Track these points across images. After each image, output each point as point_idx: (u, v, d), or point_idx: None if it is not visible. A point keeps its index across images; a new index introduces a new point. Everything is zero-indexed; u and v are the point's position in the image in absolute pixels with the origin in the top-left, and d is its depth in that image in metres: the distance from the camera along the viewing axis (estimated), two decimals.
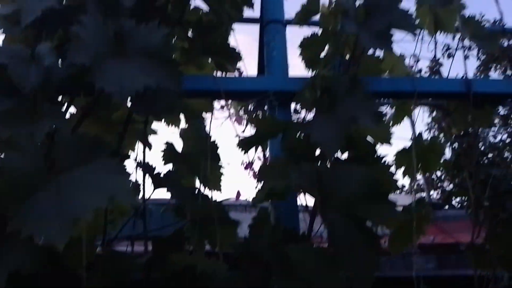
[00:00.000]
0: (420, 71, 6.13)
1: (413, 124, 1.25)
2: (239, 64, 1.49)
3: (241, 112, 2.66)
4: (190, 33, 1.44)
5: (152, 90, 0.86)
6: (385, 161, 1.09)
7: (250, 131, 2.82)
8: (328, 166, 0.94)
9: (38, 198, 0.69)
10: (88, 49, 0.80)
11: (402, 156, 1.29)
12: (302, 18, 1.25)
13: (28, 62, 0.80)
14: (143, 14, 1.15)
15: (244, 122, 2.76)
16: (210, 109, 1.47)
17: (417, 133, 1.28)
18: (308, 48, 1.24)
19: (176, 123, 1.46)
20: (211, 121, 1.38)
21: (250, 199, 0.98)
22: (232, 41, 1.55)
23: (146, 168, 1.08)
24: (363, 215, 0.76)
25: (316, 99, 0.97)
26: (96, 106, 1.07)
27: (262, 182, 0.93)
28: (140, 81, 0.84)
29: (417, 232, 1.16)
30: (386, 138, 1.20)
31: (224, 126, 1.42)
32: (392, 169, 1.16)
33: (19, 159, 0.70)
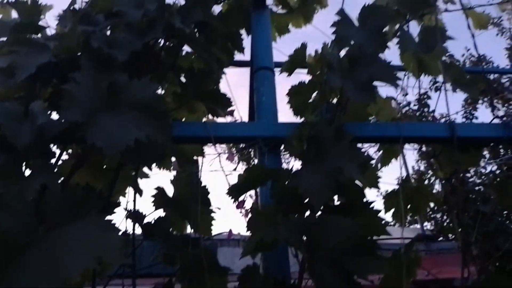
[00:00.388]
0: (408, 104, 6.27)
1: (400, 168, 1.27)
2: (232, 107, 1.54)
3: (233, 150, 2.68)
4: (182, 78, 1.49)
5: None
6: (373, 207, 1.11)
7: (241, 168, 2.84)
8: (317, 215, 0.95)
9: (27, 258, 0.69)
10: (81, 106, 0.83)
11: (390, 199, 1.30)
12: (290, 68, 1.29)
13: (21, 119, 0.82)
14: (136, 64, 1.19)
15: (236, 159, 2.77)
16: (202, 153, 1.49)
17: (405, 173, 1.30)
18: (296, 96, 1.28)
19: (168, 167, 1.48)
20: (202, 165, 1.41)
21: (242, 233, 0.98)
22: (224, 83, 1.59)
23: (136, 217, 1.08)
24: (350, 269, 0.77)
25: (303, 149, 0.99)
26: (88, 155, 1.08)
27: (251, 232, 0.94)
28: (131, 135, 0.86)
29: (408, 277, 1.16)
30: (374, 183, 1.22)
31: (216, 163, 1.43)
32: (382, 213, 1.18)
33: (9, 218, 0.71)
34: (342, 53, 1.27)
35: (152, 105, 0.93)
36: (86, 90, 0.87)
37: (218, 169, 1.34)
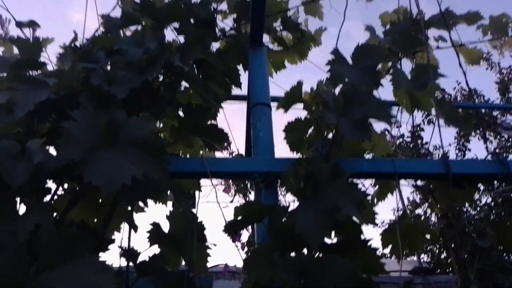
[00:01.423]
0: (402, 136, 6.33)
1: (397, 204, 1.28)
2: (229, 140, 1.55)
3: (230, 182, 2.67)
4: (180, 112, 1.50)
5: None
6: (370, 245, 1.10)
7: (238, 201, 2.81)
8: (314, 253, 0.94)
9: None
10: (78, 144, 0.83)
11: (387, 235, 1.29)
12: (286, 104, 1.32)
13: (18, 157, 0.82)
14: (135, 100, 1.21)
15: (232, 191, 2.76)
16: (198, 187, 1.48)
17: (401, 209, 1.30)
18: (292, 132, 1.29)
19: (164, 201, 1.47)
20: (198, 200, 1.40)
21: (238, 266, 0.96)
22: (221, 114, 1.60)
23: (130, 256, 1.06)
24: None
25: (300, 186, 0.99)
26: (84, 192, 1.08)
27: (248, 272, 0.92)
28: (128, 173, 0.86)
29: None
30: (371, 219, 1.21)
31: (213, 194, 1.42)
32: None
33: (0, 260, 0.69)
34: (337, 89, 1.31)
35: (149, 142, 0.93)
36: (84, 128, 0.88)
37: (214, 201, 1.33)
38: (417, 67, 1.50)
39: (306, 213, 0.92)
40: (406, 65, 1.93)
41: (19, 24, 1.61)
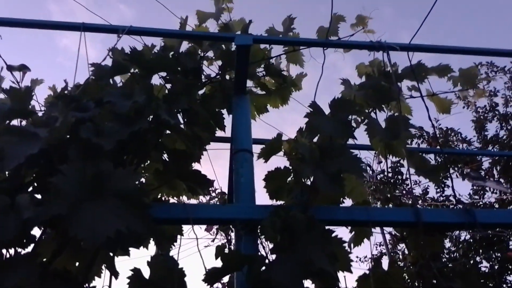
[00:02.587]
0: (383, 171, 6.48)
1: (371, 252, 1.33)
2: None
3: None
4: (165, 156, 1.55)
5: None
6: None
7: (220, 239, 2.82)
8: None
9: None
10: (65, 199, 0.87)
11: (362, 283, 1.34)
12: (266, 155, 1.38)
13: (7, 212, 0.85)
14: (121, 147, 1.25)
15: (214, 230, 2.77)
16: (180, 232, 1.51)
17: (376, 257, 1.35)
18: (272, 180, 1.35)
19: (146, 245, 1.49)
20: (179, 246, 1.43)
21: None
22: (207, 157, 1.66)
23: None
24: None
25: (277, 238, 1.04)
26: (69, 241, 1.10)
27: None
28: (112, 226, 0.90)
29: None
30: (346, 267, 1.26)
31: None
32: None
33: None
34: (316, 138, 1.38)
35: (134, 195, 0.98)
36: (71, 182, 0.92)
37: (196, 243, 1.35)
38: (390, 118, 1.60)
39: (282, 266, 0.97)
40: (382, 114, 2.04)
41: (10, 68, 1.67)
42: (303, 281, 1.14)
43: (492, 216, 1.40)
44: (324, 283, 1.12)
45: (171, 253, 1.42)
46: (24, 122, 1.32)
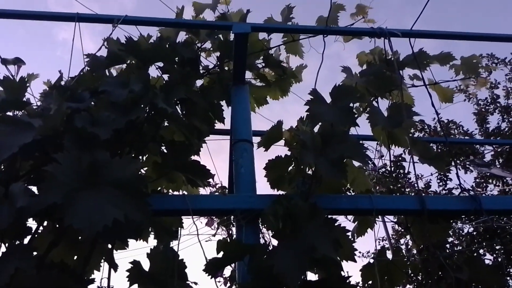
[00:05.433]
0: (385, 165, 6.45)
1: (375, 241, 1.31)
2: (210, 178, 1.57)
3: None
4: (163, 148, 1.52)
5: None
6: (350, 281, 1.12)
7: (221, 234, 2.80)
8: None
9: None
10: (60, 187, 0.85)
11: (367, 272, 1.31)
12: (266, 143, 1.36)
13: (1, 202, 0.82)
14: (118, 137, 1.23)
15: (215, 225, 2.75)
16: (180, 224, 1.49)
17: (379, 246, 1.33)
18: (273, 169, 1.33)
19: (145, 238, 1.46)
20: (179, 238, 1.40)
21: None
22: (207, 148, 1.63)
23: None
24: None
25: (279, 226, 1.02)
26: (65, 232, 1.08)
27: None
28: (109, 215, 0.87)
29: None
30: (350, 256, 1.23)
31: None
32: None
33: None
34: (317, 126, 1.35)
35: (131, 184, 0.95)
36: (67, 170, 0.89)
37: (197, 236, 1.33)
38: (392, 106, 1.57)
39: (284, 253, 0.94)
40: (384, 102, 2.01)
41: (5, 62, 1.64)
42: (307, 272, 1.12)
43: (498, 202, 1.37)
44: (327, 271, 1.10)
45: (171, 245, 1.39)
46: (19, 114, 1.30)
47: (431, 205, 1.30)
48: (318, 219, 1.01)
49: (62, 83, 1.37)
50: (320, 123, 1.34)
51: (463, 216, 1.51)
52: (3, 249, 0.92)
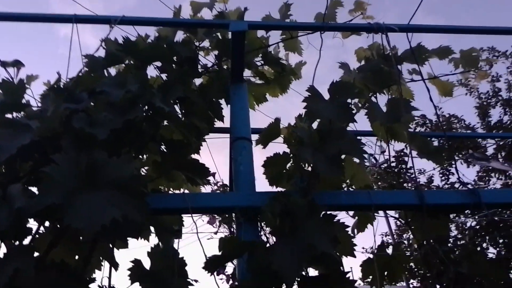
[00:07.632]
0: (387, 161, 6.43)
1: (374, 236, 1.31)
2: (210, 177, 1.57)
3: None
4: (163, 147, 1.53)
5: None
6: (349, 277, 1.12)
7: (223, 232, 2.80)
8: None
9: None
10: (59, 188, 0.85)
11: (367, 267, 1.32)
12: (264, 141, 1.36)
13: None
14: (117, 137, 1.23)
15: (217, 223, 2.75)
16: (180, 223, 1.50)
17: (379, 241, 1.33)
18: (271, 166, 1.33)
19: (146, 237, 1.47)
20: (180, 235, 1.41)
21: None
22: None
23: None
24: None
25: (277, 223, 1.02)
26: (65, 232, 1.08)
27: None
28: (108, 215, 0.88)
29: None
30: (349, 251, 1.24)
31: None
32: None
33: None
34: (315, 123, 1.35)
35: (129, 184, 0.96)
36: (65, 171, 0.90)
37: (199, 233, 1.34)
38: (391, 101, 1.57)
39: (282, 249, 0.95)
40: (383, 97, 2.01)
41: (4, 64, 1.65)
42: (308, 268, 1.13)
43: (497, 196, 1.37)
44: (326, 267, 1.10)
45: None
46: (19, 116, 1.31)
47: (430, 199, 1.30)
48: (317, 216, 1.01)
49: (61, 84, 1.37)
50: (318, 120, 1.34)
51: (466, 211, 1.51)
52: (3, 249, 0.93)
